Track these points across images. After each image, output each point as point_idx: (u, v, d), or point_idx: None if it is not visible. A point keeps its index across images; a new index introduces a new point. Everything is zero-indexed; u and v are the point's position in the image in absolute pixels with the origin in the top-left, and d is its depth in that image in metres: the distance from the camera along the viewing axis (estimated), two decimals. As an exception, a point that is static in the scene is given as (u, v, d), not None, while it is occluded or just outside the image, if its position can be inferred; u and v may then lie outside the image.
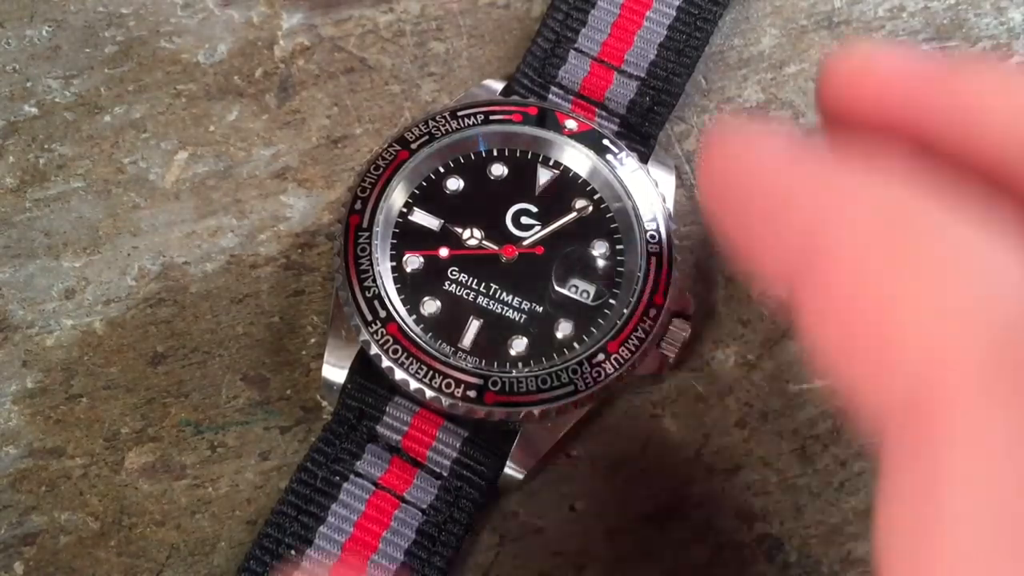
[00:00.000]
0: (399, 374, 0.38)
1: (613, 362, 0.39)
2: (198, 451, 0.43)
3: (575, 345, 0.40)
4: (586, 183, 0.42)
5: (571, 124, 0.42)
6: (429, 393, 0.38)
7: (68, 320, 0.44)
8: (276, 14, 0.48)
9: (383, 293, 0.39)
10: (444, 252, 0.41)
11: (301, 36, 0.48)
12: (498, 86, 0.45)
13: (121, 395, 0.43)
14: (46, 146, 0.46)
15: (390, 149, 0.42)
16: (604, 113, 0.44)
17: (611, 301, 0.40)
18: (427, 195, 0.41)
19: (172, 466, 0.43)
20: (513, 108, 0.42)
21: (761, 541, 0.43)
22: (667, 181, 0.44)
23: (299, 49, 0.48)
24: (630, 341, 0.39)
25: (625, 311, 0.40)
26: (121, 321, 0.44)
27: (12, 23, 0.47)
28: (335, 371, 0.41)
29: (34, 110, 0.46)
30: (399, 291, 0.40)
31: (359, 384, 0.40)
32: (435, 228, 0.41)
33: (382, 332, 0.38)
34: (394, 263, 0.40)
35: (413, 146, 0.41)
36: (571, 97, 0.44)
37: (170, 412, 0.43)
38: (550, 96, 0.44)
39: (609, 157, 0.42)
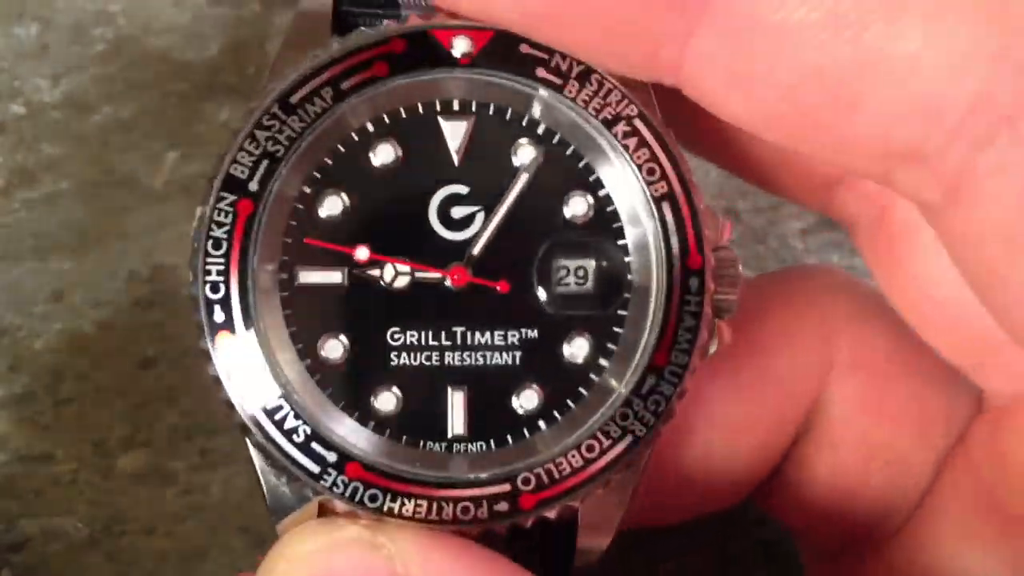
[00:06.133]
0: (393, 524, 0.28)
1: (669, 377, 0.27)
2: (189, 457, 0.42)
3: (602, 362, 0.28)
4: (519, 117, 0.28)
5: (462, 44, 0.28)
6: (446, 531, 0.28)
7: (56, 323, 0.43)
8: (267, 11, 0.48)
9: (319, 426, 0.27)
10: (367, 312, 0.28)
11: (293, 33, 0.47)
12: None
13: (111, 399, 0.43)
14: (34, 146, 0.45)
15: (223, 205, 0.27)
16: None
17: (630, 278, 0.28)
18: (304, 240, 0.28)
19: (163, 472, 0.42)
20: (369, 54, 0.28)
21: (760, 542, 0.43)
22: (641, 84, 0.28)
23: (291, 46, 0.47)
24: (681, 339, 0.27)
25: (651, 302, 0.27)
26: (111, 324, 0.43)
27: (0, 21, 0.47)
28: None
29: (22, 109, 0.46)
30: (333, 400, 0.28)
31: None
32: (339, 282, 0.28)
33: (341, 481, 0.27)
34: (307, 362, 0.28)
35: (253, 186, 0.27)
36: None
37: (161, 417, 0.43)
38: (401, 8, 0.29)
39: (541, 70, 0.28)
